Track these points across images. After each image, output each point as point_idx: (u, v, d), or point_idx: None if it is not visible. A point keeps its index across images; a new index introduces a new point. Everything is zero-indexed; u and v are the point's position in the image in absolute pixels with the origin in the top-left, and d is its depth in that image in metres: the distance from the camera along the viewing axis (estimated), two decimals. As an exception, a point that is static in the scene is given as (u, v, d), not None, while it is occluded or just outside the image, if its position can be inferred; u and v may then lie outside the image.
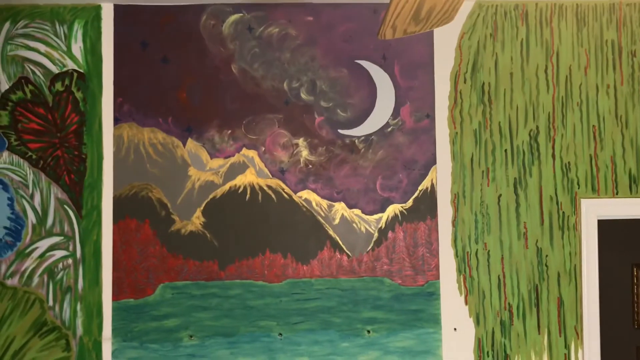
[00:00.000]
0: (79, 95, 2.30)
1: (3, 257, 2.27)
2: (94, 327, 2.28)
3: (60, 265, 2.28)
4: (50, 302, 2.28)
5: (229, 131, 2.33)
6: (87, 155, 2.30)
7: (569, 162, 2.35)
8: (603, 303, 2.42)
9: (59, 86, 2.30)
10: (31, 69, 2.30)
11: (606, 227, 2.41)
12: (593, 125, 2.36)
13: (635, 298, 2.51)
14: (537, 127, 2.36)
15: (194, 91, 2.33)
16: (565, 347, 2.33)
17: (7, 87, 2.29)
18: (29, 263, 2.28)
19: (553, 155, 2.35)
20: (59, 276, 2.28)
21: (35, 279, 2.28)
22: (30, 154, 2.29)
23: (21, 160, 2.29)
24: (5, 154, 2.29)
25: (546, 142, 2.35)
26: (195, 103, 2.32)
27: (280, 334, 2.30)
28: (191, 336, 2.29)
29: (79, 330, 2.28)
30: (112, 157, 2.31)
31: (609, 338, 2.44)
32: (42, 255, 2.28)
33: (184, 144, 2.32)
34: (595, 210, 2.34)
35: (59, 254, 2.29)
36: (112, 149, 2.31)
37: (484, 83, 2.36)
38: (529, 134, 2.36)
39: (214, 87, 2.33)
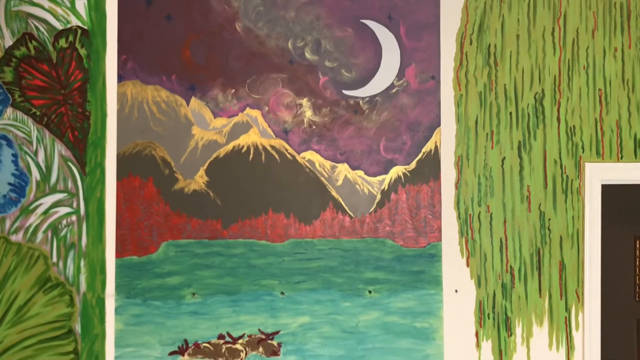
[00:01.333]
0: (82, 52, 2.29)
1: (7, 213, 2.28)
2: (98, 284, 2.30)
3: (64, 222, 2.29)
4: (54, 259, 2.29)
5: (233, 90, 2.32)
6: (90, 112, 2.30)
7: (573, 126, 2.34)
8: (605, 275, 2.41)
9: (62, 43, 2.29)
10: (35, 25, 2.28)
11: (610, 195, 2.41)
12: (599, 89, 2.34)
13: (637, 271, 2.51)
14: (543, 90, 2.34)
15: (198, 49, 2.31)
16: (566, 310, 2.34)
17: (10, 43, 2.28)
18: (33, 219, 2.29)
19: (558, 119, 2.34)
20: (63, 233, 2.29)
21: (40, 235, 2.29)
22: (34, 110, 2.29)
23: (25, 116, 2.29)
24: (9, 110, 2.29)
25: (551, 106, 2.34)
26: (199, 61, 2.31)
27: (283, 293, 2.31)
28: (194, 294, 2.30)
29: (83, 287, 2.29)
30: (115, 114, 2.31)
31: (610, 311, 2.44)
32: (46, 212, 2.29)
33: (188, 103, 2.32)
34: (599, 174, 2.33)
35: (63, 210, 2.29)
36: (115, 106, 2.31)
37: (490, 45, 2.34)
38: (535, 97, 2.34)
39: (217, 45, 2.32)
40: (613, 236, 2.45)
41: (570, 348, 2.33)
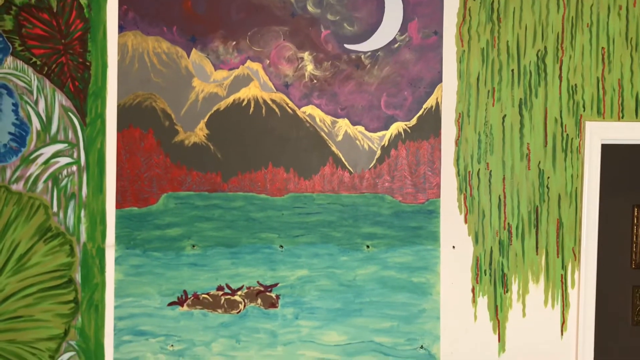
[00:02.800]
0: (83, 1, 2.27)
1: (8, 162, 2.29)
2: (98, 234, 2.31)
3: (65, 172, 2.30)
4: (55, 208, 2.30)
5: (234, 42, 2.31)
6: (91, 62, 2.29)
7: (575, 84, 2.33)
8: (602, 243, 2.43)
9: None
10: None
11: (610, 162, 2.42)
12: (602, 47, 2.33)
13: (634, 238, 2.53)
14: (545, 48, 2.33)
15: (199, 0, 2.29)
16: (563, 268, 2.35)
17: None
18: (33, 169, 2.30)
19: (560, 77, 2.33)
20: (63, 183, 2.30)
21: (40, 185, 2.30)
22: (34, 59, 2.28)
23: (25, 65, 2.28)
24: (10, 59, 2.28)
25: (553, 63, 2.33)
26: (200, 12, 2.29)
27: (281, 246, 2.33)
28: (194, 246, 2.32)
29: (83, 237, 2.31)
30: (116, 65, 2.30)
31: (606, 277, 2.47)
32: (46, 162, 2.30)
33: (188, 55, 2.31)
34: (599, 133, 2.33)
35: (63, 160, 2.30)
36: (116, 57, 2.30)
37: (493, 1, 2.32)
38: (537, 55, 2.33)
39: None
40: (612, 204, 2.47)
41: (565, 305, 2.36)
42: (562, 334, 2.36)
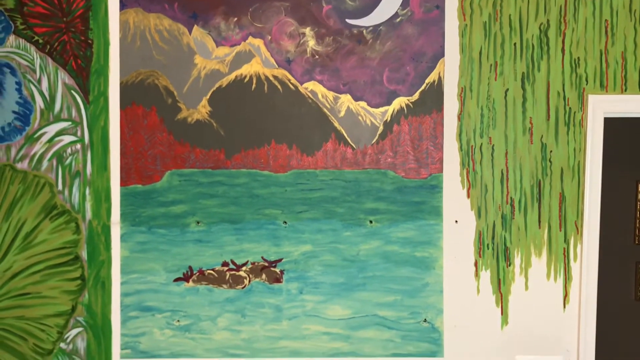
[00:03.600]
0: (84, -22, 2.28)
1: (13, 141, 2.30)
2: (103, 212, 2.33)
3: (69, 150, 2.32)
4: (60, 186, 2.32)
5: (235, 19, 2.30)
6: (93, 40, 2.29)
7: (578, 58, 2.33)
8: (605, 218, 2.44)
9: None
10: None
11: (614, 138, 2.41)
12: (605, 20, 2.32)
13: (637, 214, 2.53)
14: (548, 21, 2.32)
15: (200, -24, 2.30)
16: (565, 241, 2.37)
17: None
18: (37, 147, 2.31)
19: (562, 50, 2.32)
20: (68, 161, 2.32)
21: (45, 163, 2.32)
22: (36, 38, 2.28)
23: (28, 44, 2.29)
24: (12, 37, 2.28)
25: (556, 37, 2.32)
26: (202, -12, 2.30)
27: (285, 222, 2.35)
28: (198, 222, 2.34)
29: (88, 214, 2.33)
30: (118, 43, 2.30)
31: (608, 253, 2.48)
32: (50, 140, 2.31)
33: (190, 31, 2.31)
34: (602, 106, 2.32)
35: (67, 139, 2.31)
36: (118, 34, 2.30)
37: None
38: (539, 28, 2.32)
39: None
40: (615, 180, 2.47)
41: (567, 278, 2.37)
42: (564, 307, 2.38)
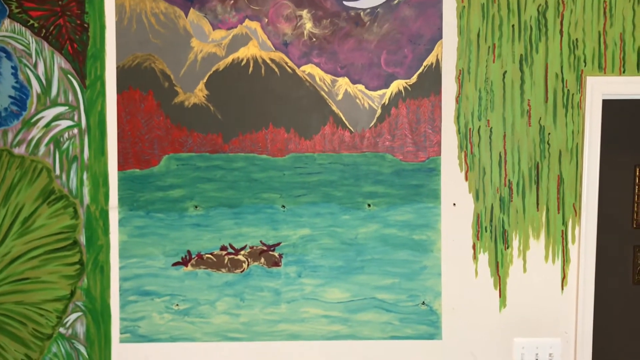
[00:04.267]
0: (79, -39, 2.26)
1: (10, 126, 2.30)
2: (101, 196, 2.33)
3: (66, 135, 2.31)
4: (57, 171, 2.32)
5: (232, 1, 2.29)
6: (89, 24, 2.28)
7: (576, 39, 2.32)
8: (603, 202, 2.44)
9: None
10: None
11: (612, 122, 2.41)
12: (604, 1, 2.31)
13: (635, 198, 2.54)
14: (546, 2, 2.30)
15: (196, -42, 2.28)
16: (563, 223, 2.37)
17: None
18: (35, 132, 2.30)
19: (561, 32, 2.31)
20: (65, 146, 2.31)
21: (42, 148, 2.31)
22: (32, 22, 2.27)
23: (23, 28, 2.27)
24: (7, 21, 2.27)
25: (554, 18, 2.31)
26: (198, -29, 2.28)
27: (284, 206, 2.35)
28: (196, 206, 2.34)
29: (86, 199, 2.33)
30: (114, 26, 2.29)
31: (607, 237, 2.49)
32: (47, 125, 2.30)
33: (186, 14, 2.29)
34: (600, 88, 2.32)
35: (64, 123, 2.31)
36: (114, 18, 2.28)
37: None
38: (537, 9, 2.31)
39: None
40: (614, 164, 2.47)
41: (566, 261, 2.38)
42: (562, 289, 2.39)
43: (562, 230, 2.37)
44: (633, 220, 2.54)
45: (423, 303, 2.38)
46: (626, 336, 2.55)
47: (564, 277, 2.38)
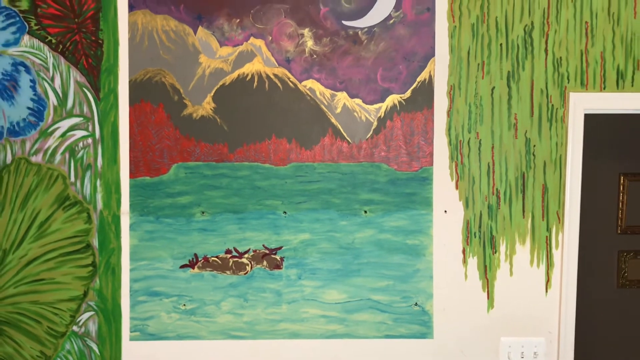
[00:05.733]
0: (94, -19, 2.40)
1: (27, 136, 2.43)
2: (113, 202, 2.47)
3: (81, 144, 2.45)
4: (72, 178, 2.45)
5: (238, 20, 2.43)
6: (103, 40, 2.42)
7: (560, 57, 2.47)
8: (589, 209, 2.57)
9: None
10: None
11: (597, 133, 2.54)
12: (586, 22, 2.46)
13: (619, 205, 2.65)
14: (532, 23, 2.45)
15: (205, -20, 2.42)
16: (547, 230, 2.51)
17: None
18: (51, 142, 2.44)
19: (546, 50, 2.46)
20: (80, 154, 2.45)
21: (58, 157, 2.45)
22: (49, 38, 2.41)
23: (41, 44, 2.41)
24: (26, 37, 2.41)
25: (540, 37, 2.46)
26: (206, -8, 2.43)
27: (285, 212, 2.49)
28: (203, 212, 2.48)
29: (99, 205, 2.47)
30: (127, 43, 2.43)
31: (592, 242, 2.60)
32: (63, 135, 2.44)
33: (195, 32, 2.44)
34: (582, 103, 2.46)
35: (79, 133, 2.44)
36: (127, 35, 2.43)
37: None
38: (524, 29, 2.46)
39: None
40: (598, 173, 2.59)
41: (550, 265, 2.52)
42: (546, 291, 2.53)
43: (547, 236, 2.52)
44: (618, 226, 2.66)
45: (416, 304, 2.52)
46: (610, 336, 2.67)
47: (548, 280, 2.53)
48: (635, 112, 2.50)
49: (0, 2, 2.38)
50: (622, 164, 2.62)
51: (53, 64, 2.42)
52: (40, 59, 2.41)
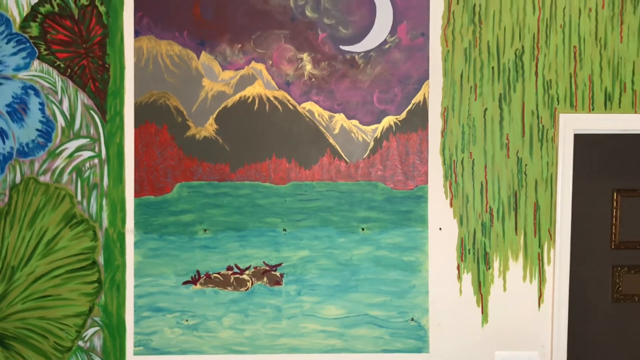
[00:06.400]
0: (102, 9, 2.50)
1: (36, 156, 2.52)
2: (118, 220, 2.55)
3: (87, 165, 2.53)
4: (79, 197, 2.53)
5: (239, 45, 2.53)
6: (110, 65, 2.51)
7: (550, 80, 2.55)
8: (583, 225, 2.64)
9: (83, 0, 2.49)
10: None
11: (590, 150, 2.62)
12: (574, 46, 2.55)
13: (613, 221, 2.71)
14: (523, 47, 2.54)
15: (207, 7, 2.51)
16: (539, 246, 2.58)
17: (36, 0, 2.48)
18: (59, 162, 2.52)
19: (536, 73, 2.55)
20: (86, 174, 2.53)
21: (65, 177, 2.53)
22: (58, 62, 2.51)
23: (50, 68, 2.51)
24: (36, 62, 2.50)
25: (530, 61, 2.54)
26: (208, 18, 2.52)
27: (285, 230, 2.56)
28: (205, 230, 2.55)
29: (105, 223, 2.54)
30: (133, 67, 2.52)
31: (586, 257, 2.66)
32: (70, 155, 2.53)
33: (198, 57, 2.53)
34: (572, 124, 2.55)
35: (86, 154, 2.53)
36: (132, 59, 2.52)
37: (475, 4, 2.53)
38: (515, 53, 2.55)
39: (225, 3, 2.52)
40: (592, 189, 2.66)
41: (542, 280, 2.58)
42: (539, 306, 2.59)
43: (539, 253, 2.58)
44: (612, 242, 2.72)
45: (412, 319, 2.58)
46: (604, 348, 2.72)
47: (540, 296, 2.59)
48: (622, 132, 2.59)
49: (12, 29, 2.47)
50: (615, 180, 2.69)
51: (61, 87, 2.51)
52: (49, 83, 2.51)
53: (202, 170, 2.55)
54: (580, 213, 2.64)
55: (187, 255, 2.56)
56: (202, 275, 2.56)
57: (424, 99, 2.55)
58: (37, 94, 2.50)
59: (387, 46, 2.54)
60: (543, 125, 2.56)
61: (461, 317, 2.59)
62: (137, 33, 2.52)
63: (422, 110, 2.55)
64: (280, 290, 2.57)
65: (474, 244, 2.58)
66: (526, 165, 2.56)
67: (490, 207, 2.57)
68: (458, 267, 2.58)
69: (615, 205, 2.70)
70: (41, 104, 2.51)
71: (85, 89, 2.51)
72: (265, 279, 2.57)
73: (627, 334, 2.72)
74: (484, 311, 2.59)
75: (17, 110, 2.49)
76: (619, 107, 2.55)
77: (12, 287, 2.53)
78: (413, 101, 2.55)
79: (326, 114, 2.56)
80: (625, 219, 2.69)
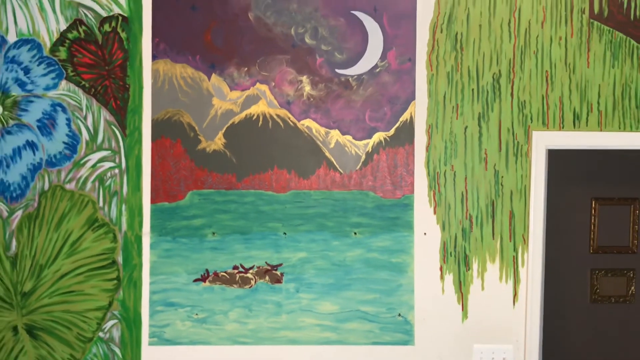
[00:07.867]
0: (123, 35, 2.65)
1: (63, 167, 2.69)
2: (136, 224, 2.69)
3: (109, 174, 2.67)
4: (101, 203, 2.67)
5: (246, 68, 2.69)
6: (130, 85, 2.66)
7: (524, 101, 2.65)
8: (563, 232, 2.73)
9: (107, 27, 2.65)
10: (84, 13, 2.63)
11: (570, 161, 2.72)
12: (546, 71, 2.65)
13: (591, 227, 2.79)
14: (500, 71, 2.65)
15: (217, 34, 2.66)
16: (514, 250, 2.69)
17: (64, 27, 2.62)
18: (83, 172, 2.66)
19: (512, 95, 2.65)
20: (108, 183, 2.67)
21: (89, 185, 2.66)
22: (83, 83, 2.69)
23: (76, 88, 2.65)
24: (64, 82, 2.68)
25: (506, 84, 2.65)
26: (218, 44, 2.68)
27: (285, 233, 2.68)
28: (214, 233, 2.68)
29: (124, 226, 2.68)
30: (150, 87, 2.66)
31: (565, 262, 2.75)
32: (93, 166, 2.66)
33: (209, 78, 2.67)
34: (544, 140, 2.65)
35: (108, 165, 2.67)
36: (150, 80, 2.66)
37: (457, 33, 2.64)
38: (493, 77, 2.66)
39: (233, 31, 2.66)
40: (572, 198, 2.75)
41: (516, 281, 2.69)
42: (514, 304, 2.69)
43: (514, 256, 2.68)
44: (590, 247, 2.80)
45: (399, 315, 2.69)
46: (577, 343, 2.80)
47: (515, 294, 2.69)
48: (589, 148, 2.76)
49: (43, 53, 2.72)
50: (594, 190, 2.77)
51: (86, 105, 2.68)
52: (75, 101, 2.70)
53: (211, 179, 2.68)
54: (561, 220, 2.72)
55: (197, 256, 2.67)
56: (210, 274, 2.68)
57: (411, 117, 2.67)
58: (64, 110, 2.70)
59: (377, 70, 2.68)
60: (518, 142, 2.67)
61: (443, 313, 2.68)
62: (154, 57, 2.67)
63: (409, 128, 2.68)
64: (280, 288, 2.69)
65: (455, 247, 2.68)
66: (502, 177, 2.67)
67: (470, 214, 2.68)
68: (441, 268, 2.69)
69: (593, 212, 2.78)
70: (68, 119, 2.69)
71: (108, 107, 2.65)
72: (267, 278, 2.68)
73: (603, 332, 2.81)
74: (464, 308, 2.69)
75: (46, 125, 2.71)
76: (587, 125, 2.66)
77: (41, 284, 2.71)
78: (401, 119, 2.68)
79: (323, 130, 2.69)
80: (603, 225, 2.77)
